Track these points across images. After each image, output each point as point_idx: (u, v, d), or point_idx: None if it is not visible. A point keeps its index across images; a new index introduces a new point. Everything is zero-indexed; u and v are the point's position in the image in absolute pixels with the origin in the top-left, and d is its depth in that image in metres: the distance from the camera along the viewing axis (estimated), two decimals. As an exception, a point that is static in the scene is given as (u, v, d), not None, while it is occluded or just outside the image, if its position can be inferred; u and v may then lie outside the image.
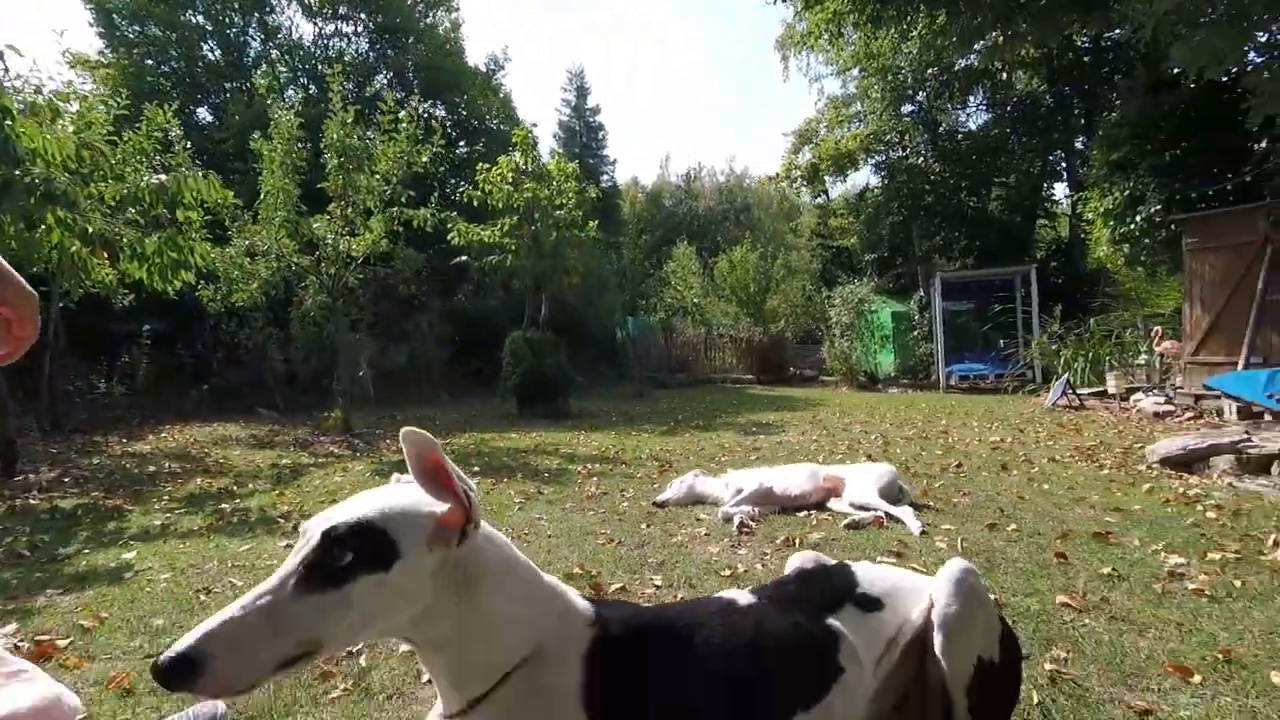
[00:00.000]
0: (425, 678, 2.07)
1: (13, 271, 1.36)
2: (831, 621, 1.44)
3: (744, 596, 1.48)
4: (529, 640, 1.16)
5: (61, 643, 2.47)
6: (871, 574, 1.59)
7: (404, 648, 2.32)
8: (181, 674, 0.90)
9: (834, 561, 1.71)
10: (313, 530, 1.04)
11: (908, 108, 21.24)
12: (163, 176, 5.37)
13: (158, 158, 5.88)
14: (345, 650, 1.24)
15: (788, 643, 1.37)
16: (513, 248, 11.32)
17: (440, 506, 1.10)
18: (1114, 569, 2.85)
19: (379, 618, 1.04)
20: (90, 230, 4.99)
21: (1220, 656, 2.03)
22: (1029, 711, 1.78)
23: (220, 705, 1.89)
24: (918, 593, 1.55)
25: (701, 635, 1.34)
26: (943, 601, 1.45)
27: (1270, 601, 2.49)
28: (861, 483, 4.20)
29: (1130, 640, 2.18)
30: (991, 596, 1.58)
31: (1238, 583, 2.67)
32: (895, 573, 1.63)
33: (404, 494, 1.12)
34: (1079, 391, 10.58)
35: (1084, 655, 2.08)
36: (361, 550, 1.01)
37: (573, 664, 1.17)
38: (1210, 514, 3.80)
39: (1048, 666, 2.00)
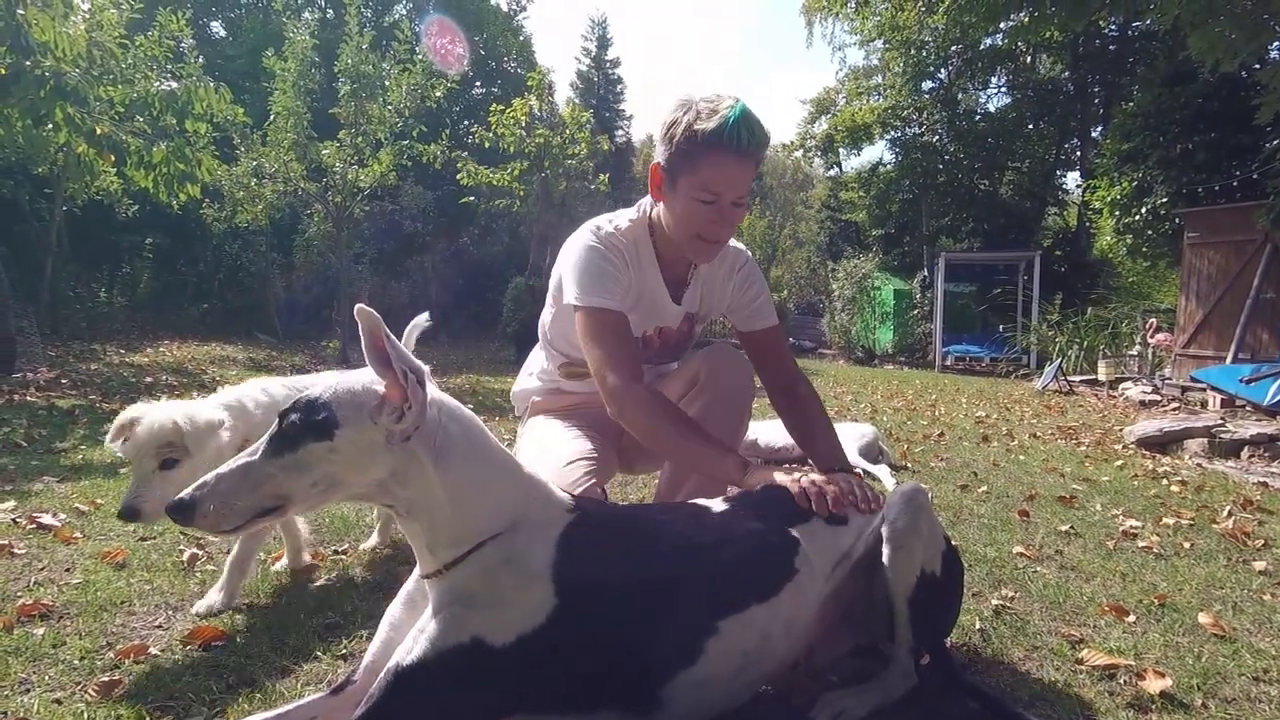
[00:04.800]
0: (404, 575, 2.18)
1: None
2: (793, 530, 1.53)
3: (716, 504, 1.57)
4: (505, 517, 1.25)
5: (56, 521, 2.56)
6: None
7: (387, 550, 2.43)
8: (178, 514, 1.13)
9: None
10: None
11: (928, 84, 20.96)
12: (173, 84, 5.36)
13: (169, 66, 5.86)
14: (319, 507, 1.37)
15: (749, 543, 1.46)
16: (521, 193, 11.28)
17: (383, 384, 1.19)
18: (1072, 527, 2.96)
19: (343, 480, 1.18)
20: (98, 132, 5.00)
21: (1156, 601, 2.14)
22: (970, 635, 1.88)
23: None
24: (875, 513, 1.64)
25: (670, 530, 1.43)
26: (891, 516, 1.54)
27: (1213, 560, 2.60)
28: (842, 441, 4.27)
29: (1076, 585, 2.29)
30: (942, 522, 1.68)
31: (1186, 544, 2.78)
32: None
33: (362, 373, 1.22)
34: (1070, 377, 10.69)
35: (1030, 595, 2.19)
36: (307, 422, 1.15)
37: (548, 542, 1.26)
38: (1174, 488, 3.91)
39: (994, 602, 2.10)
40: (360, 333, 1.16)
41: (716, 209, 1.74)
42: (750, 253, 2.16)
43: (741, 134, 1.66)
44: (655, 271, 1.95)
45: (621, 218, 1.94)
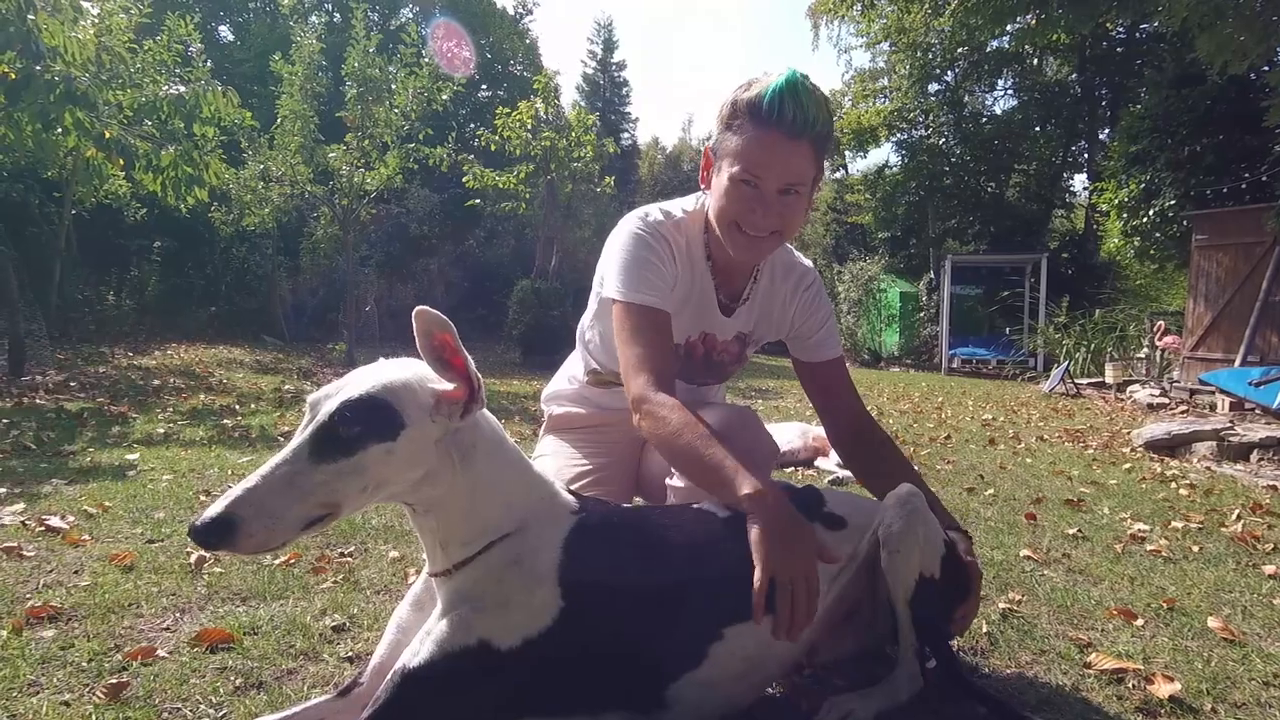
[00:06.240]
0: (410, 577, 2.17)
1: None
2: None
3: (719, 508, 1.56)
4: (514, 516, 1.26)
5: (65, 524, 2.56)
6: (838, 496, 1.68)
7: (393, 553, 2.43)
8: (217, 535, 1.00)
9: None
10: (321, 405, 1.12)
11: (934, 86, 20.96)
12: (181, 88, 5.39)
13: (177, 70, 5.91)
14: (360, 511, 1.34)
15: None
16: (527, 196, 11.30)
17: (442, 382, 1.18)
18: (1079, 530, 2.95)
19: (390, 481, 1.14)
20: (107, 136, 5.05)
21: (1165, 605, 2.13)
22: (977, 639, 1.87)
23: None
24: (875, 515, 1.63)
25: (674, 534, 1.43)
26: (889, 520, 1.52)
27: (1222, 564, 2.59)
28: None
29: (1083, 589, 2.27)
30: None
31: (1195, 548, 2.77)
32: (860, 498, 1.71)
33: (404, 368, 1.20)
34: (1077, 380, 10.65)
35: (1038, 599, 2.18)
36: (370, 422, 1.10)
37: (553, 543, 1.26)
38: (1183, 491, 3.89)
39: (1001, 605, 2.09)
40: (416, 333, 1.14)
41: (757, 195, 1.53)
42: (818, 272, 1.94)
43: (784, 105, 1.47)
44: (705, 273, 1.76)
45: (675, 207, 1.77)
